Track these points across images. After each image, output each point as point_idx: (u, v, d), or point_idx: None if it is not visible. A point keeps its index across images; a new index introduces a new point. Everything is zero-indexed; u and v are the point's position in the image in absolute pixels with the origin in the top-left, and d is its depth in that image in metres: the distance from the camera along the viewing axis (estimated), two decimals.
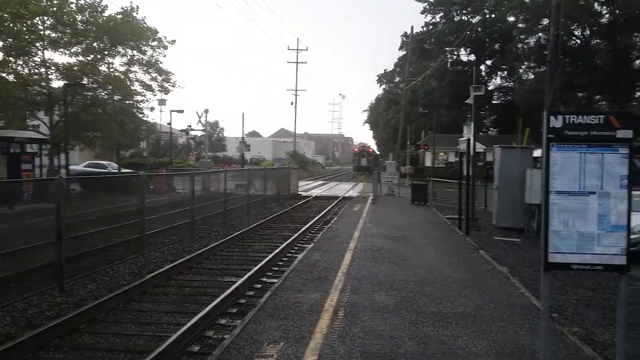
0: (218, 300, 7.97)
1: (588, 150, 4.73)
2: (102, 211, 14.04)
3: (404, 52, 68.09)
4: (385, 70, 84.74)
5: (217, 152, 63.78)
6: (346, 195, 31.50)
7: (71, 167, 30.39)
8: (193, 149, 56.98)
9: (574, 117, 4.75)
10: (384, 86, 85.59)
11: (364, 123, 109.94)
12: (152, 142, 52.70)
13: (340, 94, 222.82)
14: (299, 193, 31.66)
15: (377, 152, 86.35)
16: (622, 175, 4.70)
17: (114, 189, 16.18)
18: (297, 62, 68.61)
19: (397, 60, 77.83)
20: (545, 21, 42.41)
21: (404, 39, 68.87)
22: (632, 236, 11.79)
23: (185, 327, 6.67)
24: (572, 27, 46.81)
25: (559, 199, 4.74)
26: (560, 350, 5.78)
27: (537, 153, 19.06)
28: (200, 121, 51.99)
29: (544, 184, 4.78)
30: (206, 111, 51.97)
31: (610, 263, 4.74)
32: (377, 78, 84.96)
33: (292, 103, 71.68)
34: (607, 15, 47.29)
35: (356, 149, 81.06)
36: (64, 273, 8.96)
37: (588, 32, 49.42)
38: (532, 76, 54.56)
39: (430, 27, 68.12)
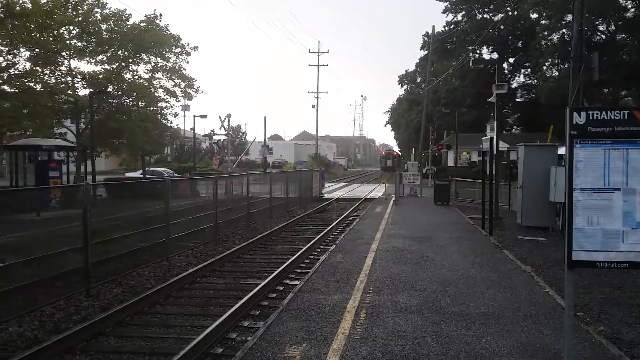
0: (241, 302, 8.03)
1: (612, 147, 4.64)
2: (127, 216, 14.30)
3: (426, 52, 67.68)
4: (406, 70, 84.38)
5: (240, 156, 64.18)
6: (368, 196, 31.43)
7: (127, 174, 30.83)
8: (216, 153, 57.44)
9: (597, 113, 4.67)
10: (405, 87, 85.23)
11: (386, 124, 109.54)
12: (176, 148, 53.33)
13: (362, 96, 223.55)
14: (321, 195, 31.69)
15: (400, 154, 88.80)
16: None
17: (139, 195, 16.48)
18: (318, 65, 68.72)
19: (418, 61, 77.46)
20: (569, 17, 41.73)
21: (425, 38, 68.42)
22: None
23: (208, 330, 6.73)
24: (597, 22, 46.01)
25: (582, 196, 4.67)
26: (586, 349, 5.69)
27: (562, 151, 18.75)
28: (222, 126, 52.44)
29: (567, 181, 4.71)
30: (229, 115, 52.43)
31: (636, 260, 4.64)
32: (398, 79, 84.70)
33: (313, 106, 72.05)
34: (633, 10, 46.37)
35: (383, 152, 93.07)
36: (91, 277, 9.13)
37: (613, 27, 48.51)
38: (556, 73, 53.76)
39: (452, 26, 67.56)
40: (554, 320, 6.65)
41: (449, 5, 66.78)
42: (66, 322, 7.57)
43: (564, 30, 47.28)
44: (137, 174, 35.03)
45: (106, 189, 21.14)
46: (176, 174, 33.88)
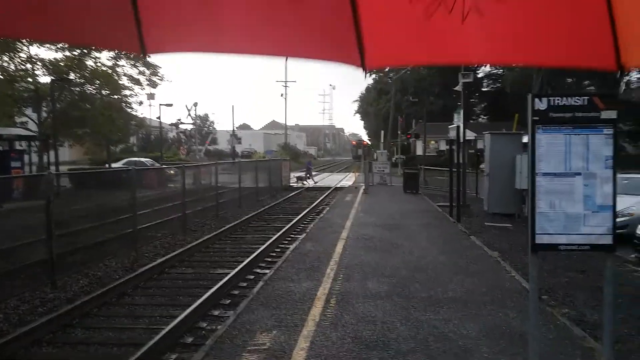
0: (211, 291, 7.99)
1: (573, 132, 4.75)
2: (93, 207, 14.02)
3: None
4: None
5: (208, 146, 63.55)
6: (338, 185, 31.53)
7: (114, 164, 29.88)
8: (183, 142, 56.75)
9: (558, 99, 4.77)
10: (374, 76, 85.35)
11: (355, 113, 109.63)
12: (142, 137, 52.48)
13: (331, 85, 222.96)
14: (291, 184, 31.66)
15: (370, 143, 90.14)
16: (607, 156, 4.73)
17: (105, 185, 16.16)
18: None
19: None
20: None
21: None
22: (622, 218, 12.00)
23: (178, 319, 6.69)
24: None
25: (545, 181, 4.78)
26: (551, 331, 5.85)
27: (527, 139, 19.14)
28: (189, 114, 51.83)
29: (529, 166, 4.81)
30: (195, 104, 51.83)
31: (596, 243, 4.77)
32: None
33: (282, 95, 71.60)
34: None
35: (354, 142, 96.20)
36: (56, 269, 8.94)
37: None
38: None
39: None
40: (520, 304, 6.81)
41: None
42: (31, 315, 7.42)
43: None
44: (121, 164, 34.37)
45: (70, 179, 20.68)
46: (157, 164, 33.31)
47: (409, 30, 1.53)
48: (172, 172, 21.38)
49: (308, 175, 33.44)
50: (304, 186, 30.30)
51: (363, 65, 1.59)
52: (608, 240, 4.76)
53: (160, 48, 1.70)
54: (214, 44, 1.74)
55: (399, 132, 56.83)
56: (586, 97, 4.74)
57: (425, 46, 1.58)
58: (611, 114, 4.70)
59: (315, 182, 32.98)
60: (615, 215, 4.77)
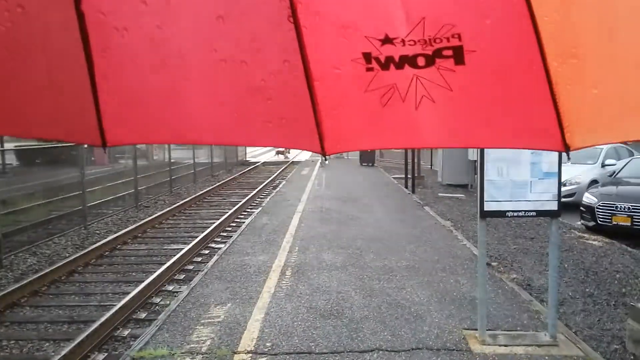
0: (164, 267, 7.86)
1: None
2: (41, 184, 13.55)
3: None
4: None
5: None
6: (295, 159, 31.47)
7: None
8: None
9: None
10: None
11: None
12: None
13: None
14: (247, 160, 31.40)
15: None
16: None
17: (53, 162, 15.62)
18: None
19: None
20: None
21: None
22: (570, 187, 12.40)
23: (130, 295, 6.56)
24: None
25: (493, 150, 4.86)
26: (499, 295, 6.02)
27: None
28: None
29: None
30: None
31: (542, 209, 4.91)
32: None
33: None
34: None
35: None
36: (2, 248, 8.62)
37: None
38: None
39: None
40: (470, 271, 6.98)
41: None
42: None
43: None
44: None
45: (17, 156, 19.88)
46: None
47: (365, 118, 1.63)
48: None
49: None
50: (287, 160, 29.97)
51: (323, 151, 1.70)
52: (553, 206, 4.91)
53: (121, 141, 1.78)
54: (175, 135, 1.80)
55: None
56: None
57: (380, 132, 1.69)
58: None
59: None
60: (560, 182, 4.91)
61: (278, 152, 32.74)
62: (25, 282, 7.29)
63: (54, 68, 1.51)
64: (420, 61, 1.44)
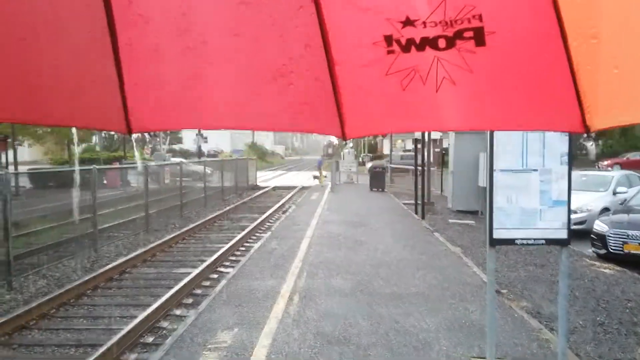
0: (173, 291, 7.87)
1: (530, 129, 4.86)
2: (52, 207, 13.69)
3: None
4: None
5: (173, 145, 62.73)
6: (305, 184, 31.54)
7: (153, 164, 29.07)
8: (148, 142, 55.85)
9: None
10: None
11: None
12: (105, 136, 51.44)
13: None
14: (257, 184, 31.50)
15: (337, 143, 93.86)
16: (562, 153, 4.85)
17: (65, 184, 15.77)
18: None
19: None
20: None
21: None
22: (580, 214, 12.31)
23: (138, 319, 6.57)
24: None
25: (502, 177, 4.87)
26: (508, 323, 5.96)
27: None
28: None
29: (488, 162, 4.89)
30: None
31: (552, 237, 4.88)
32: None
33: None
34: None
35: (325, 143, 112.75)
36: (13, 270, 8.69)
37: None
38: None
39: None
40: (480, 298, 6.91)
41: None
42: None
43: None
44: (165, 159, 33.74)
45: (30, 179, 20.12)
46: (183, 159, 32.51)
47: (386, 102, 1.64)
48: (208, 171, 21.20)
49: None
50: (321, 185, 29.73)
51: (343, 135, 1.72)
52: (563, 234, 4.87)
53: (145, 127, 1.81)
54: (198, 121, 1.86)
55: None
56: None
57: (401, 116, 1.69)
58: None
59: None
60: (570, 210, 4.89)
61: (315, 177, 32.36)
62: (34, 304, 7.33)
63: (80, 55, 1.54)
64: (441, 43, 1.44)
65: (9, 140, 23.32)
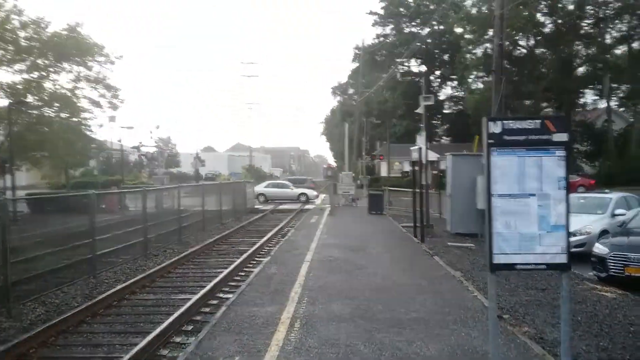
0: (172, 318, 7.83)
1: (527, 154, 4.91)
2: (50, 232, 13.62)
3: (357, 64, 68.88)
4: (339, 82, 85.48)
5: (171, 168, 62.78)
6: (304, 207, 31.53)
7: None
8: (145, 165, 55.91)
9: (512, 123, 4.93)
10: (338, 98, 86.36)
11: (321, 135, 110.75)
12: (103, 160, 51.52)
13: (296, 107, 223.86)
14: (256, 207, 31.48)
15: (335, 166, 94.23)
16: (560, 177, 4.90)
17: (63, 210, 15.73)
18: (249, 76, 68.77)
19: (350, 73, 78.59)
20: (491, 32, 43.77)
21: (357, 51, 69.65)
22: (579, 237, 12.31)
23: (138, 347, 6.53)
24: (517, 37, 48.40)
25: (501, 202, 4.90)
26: (511, 349, 5.93)
27: None
28: (151, 137, 51.21)
29: (485, 187, 4.93)
30: (157, 127, 51.27)
31: (552, 262, 4.90)
32: (331, 90, 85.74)
33: (248, 117, 71.54)
34: (550, 25, 49.21)
35: (325, 165, 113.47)
36: (11, 297, 8.64)
37: (533, 41, 51.23)
38: (481, 85, 56.11)
39: (381, 38, 69.12)
40: (482, 323, 6.89)
41: (377, 19, 68.37)
42: None
43: (487, 44, 49.44)
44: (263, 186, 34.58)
45: (28, 204, 20.07)
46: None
47: None
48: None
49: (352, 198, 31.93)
50: (356, 206, 29.54)
51: None
52: (563, 259, 4.89)
53: None
54: None
55: (364, 154, 57.38)
56: (538, 120, 4.91)
57: None
58: (562, 137, 4.87)
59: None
60: (568, 234, 4.91)
61: (353, 199, 31.65)
62: (33, 332, 7.29)
63: None
64: None
65: (7, 165, 23.34)
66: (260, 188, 36.82)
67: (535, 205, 4.86)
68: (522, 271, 5.28)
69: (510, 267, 4.92)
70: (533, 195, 4.87)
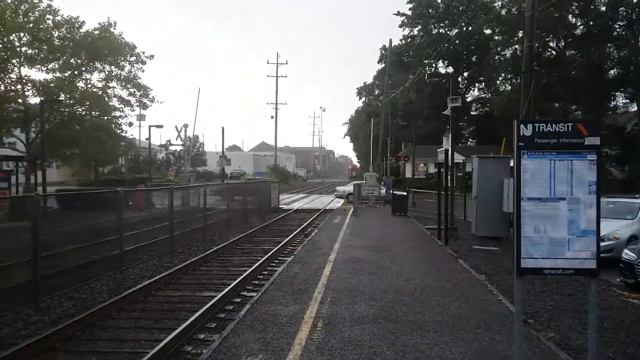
0: (197, 315, 7.90)
1: (557, 157, 4.83)
2: (79, 228, 13.89)
3: (383, 65, 68.66)
4: (364, 83, 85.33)
5: (197, 167, 63.39)
6: (327, 207, 31.55)
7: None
8: (173, 164, 56.56)
9: (543, 126, 4.86)
10: (363, 99, 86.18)
11: (345, 136, 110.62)
12: (131, 158, 52.29)
13: (321, 107, 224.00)
14: (280, 206, 31.60)
15: (359, 167, 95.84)
16: (590, 181, 4.81)
17: (91, 206, 16.03)
18: (277, 76, 69.08)
19: (376, 73, 78.41)
20: (521, 33, 43.15)
21: (383, 52, 69.39)
22: (608, 242, 12.07)
23: (162, 343, 6.60)
24: (547, 39, 47.70)
25: (530, 206, 4.84)
26: (536, 355, 5.84)
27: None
28: (179, 136, 51.77)
29: (515, 191, 4.86)
30: (185, 126, 51.83)
31: (580, 267, 4.82)
32: (356, 91, 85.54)
33: (272, 117, 71.92)
34: (581, 27, 48.36)
35: (350, 167, 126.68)
36: (40, 291, 8.83)
37: (563, 43, 50.42)
38: (509, 87, 55.40)
39: (409, 40, 68.76)
40: (506, 327, 6.80)
41: (405, 20, 67.99)
42: (13, 337, 7.28)
43: (516, 46, 48.82)
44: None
45: (57, 200, 20.48)
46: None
47: None
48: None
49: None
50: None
51: None
52: (592, 264, 4.81)
53: None
54: None
55: (388, 155, 57.14)
56: (570, 124, 4.83)
57: None
58: (594, 140, 4.79)
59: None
60: (599, 239, 4.82)
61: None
62: (60, 326, 7.43)
63: None
64: None
65: (38, 162, 23.86)
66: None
67: (565, 210, 4.78)
68: (550, 276, 5.19)
69: (539, 271, 4.85)
70: (563, 199, 4.80)
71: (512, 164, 16.45)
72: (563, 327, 7.24)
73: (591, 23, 46.84)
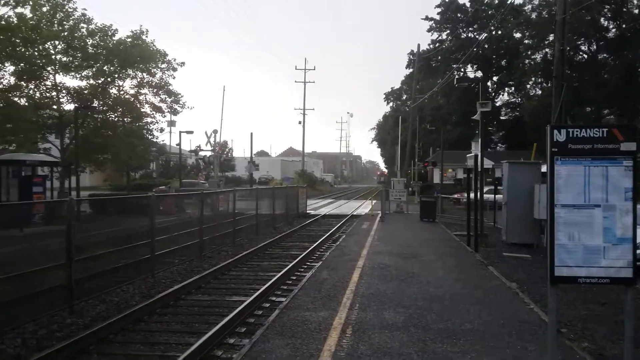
0: (226, 319, 7.97)
1: (592, 164, 4.75)
2: (112, 232, 14.19)
3: (411, 70, 68.24)
4: (392, 88, 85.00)
5: (226, 172, 64.02)
6: (355, 213, 31.48)
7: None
8: (202, 169, 57.22)
9: (577, 131, 4.79)
10: (391, 104, 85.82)
11: (372, 141, 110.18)
12: (162, 163, 53.10)
13: (348, 113, 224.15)
14: (307, 212, 31.66)
15: (387, 172, 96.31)
16: (626, 188, 4.72)
17: (124, 211, 16.37)
18: (304, 82, 69.38)
19: (404, 78, 78.02)
20: (552, 37, 42.46)
21: (411, 57, 69.01)
22: None
23: (193, 347, 6.67)
24: (579, 42, 46.86)
25: (564, 213, 4.76)
26: None
27: (545, 168, 18.97)
28: (209, 141, 52.31)
29: (548, 197, 4.80)
30: (215, 132, 52.32)
31: (616, 276, 4.72)
32: (384, 96, 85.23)
33: (300, 122, 72.26)
34: (614, 30, 47.35)
35: (378, 172, 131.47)
36: (74, 294, 9.02)
37: (595, 46, 49.43)
38: (540, 92, 54.54)
39: (437, 44, 68.28)
40: (539, 336, 6.69)
41: (433, 24, 67.56)
42: (49, 339, 7.45)
43: (546, 49, 48.06)
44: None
45: (91, 205, 20.95)
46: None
47: None
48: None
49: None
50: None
51: None
52: (628, 273, 4.71)
53: None
54: None
55: (416, 160, 56.77)
56: (605, 129, 4.75)
57: None
58: (631, 146, 4.70)
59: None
60: (635, 247, 4.72)
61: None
62: (94, 329, 7.57)
63: None
64: None
65: (72, 167, 24.43)
66: None
67: (600, 217, 4.69)
68: (584, 285, 5.09)
69: (573, 280, 4.77)
70: (598, 206, 4.71)
71: (543, 170, 16.20)
72: (597, 336, 7.08)
73: (624, 26, 45.80)
